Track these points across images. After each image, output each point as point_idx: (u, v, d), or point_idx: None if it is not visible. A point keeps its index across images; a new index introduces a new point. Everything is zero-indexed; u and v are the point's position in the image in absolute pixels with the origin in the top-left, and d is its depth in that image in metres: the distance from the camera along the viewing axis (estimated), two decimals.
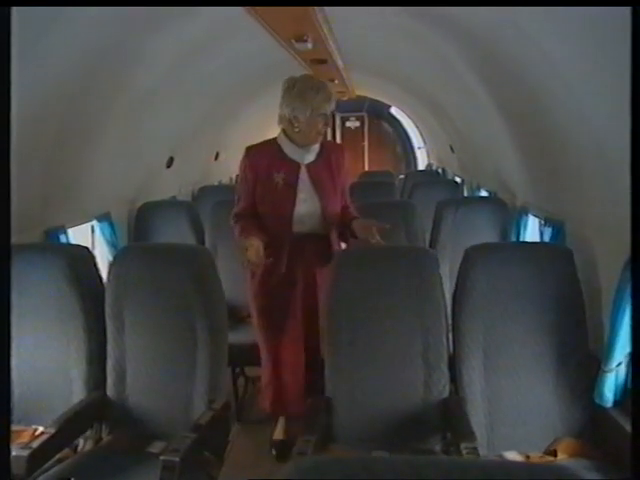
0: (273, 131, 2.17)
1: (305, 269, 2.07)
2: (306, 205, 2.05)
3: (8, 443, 0.60)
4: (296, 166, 2.06)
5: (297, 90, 1.99)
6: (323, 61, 3.61)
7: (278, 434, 2.24)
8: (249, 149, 2.12)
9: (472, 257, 1.78)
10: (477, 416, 1.67)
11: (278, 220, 2.05)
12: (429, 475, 0.50)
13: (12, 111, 0.59)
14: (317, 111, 1.99)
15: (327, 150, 2.13)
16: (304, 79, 2.04)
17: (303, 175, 2.06)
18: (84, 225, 2.71)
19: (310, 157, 2.08)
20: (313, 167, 2.08)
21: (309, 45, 2.84)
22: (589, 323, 1.73)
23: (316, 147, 2.09)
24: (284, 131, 2.08)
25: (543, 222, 2.36)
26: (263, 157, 2.07)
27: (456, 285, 1.79)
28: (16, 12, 0.60)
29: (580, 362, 1.69)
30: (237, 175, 2.36)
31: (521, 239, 2.71)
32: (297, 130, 2.02)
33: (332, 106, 2.04)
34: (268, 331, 2.12)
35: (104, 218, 2.80)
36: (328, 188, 2.08)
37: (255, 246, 1.91)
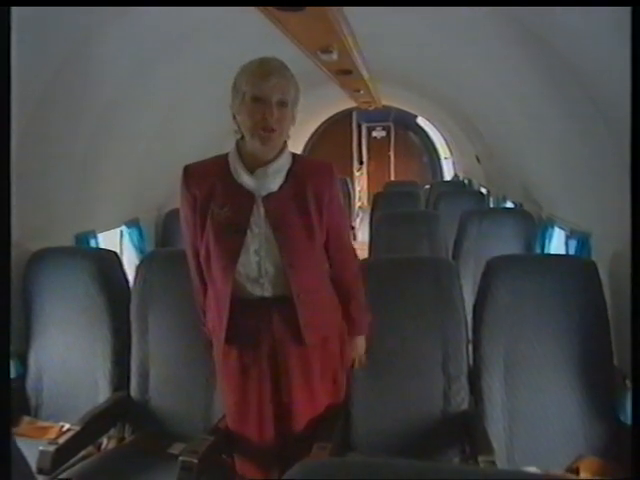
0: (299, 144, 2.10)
1: (265, 352, 1.44)
2: (260, 259, 1.39)
3: (9, 438, 0.61)
4: (248, 198, 1.38)
5: (235, 77, 1.36)
6: (348, 72, 3.64)
7: None
8: (187, 170, 1.42)
9: (493, 268, 1.76)
10: (496, 429, 1.64)
11: (221, 280, 1.41)
12: None
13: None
14: (249, 93, 1.30)
15: (303, 173, 1.41)
16: (250, 61, 1.35)
17: (257, 213, 1.38)
18: (113, 230, 2.79)
19: (271, 185, 1.38)
20: (275, 201, 1.38)
21: (334, 56, 2.88)
22: (615, 338, 1.70)
23: (281, 168, 1.39)
24: (237, 143, 1.42)
25: (569, 234, 2.32)
26: (203, 182, 1.39)
27: (477, 296, 1.78)
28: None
29: (605, 377, 1.65)
30: None
31: (546, 251, 2.67)
32: (239, 136, 1.39)
33: (282, 89, 1.31)
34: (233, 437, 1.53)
35: (132, 224, 2.89)
36: (299, 234, 1.40)
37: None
